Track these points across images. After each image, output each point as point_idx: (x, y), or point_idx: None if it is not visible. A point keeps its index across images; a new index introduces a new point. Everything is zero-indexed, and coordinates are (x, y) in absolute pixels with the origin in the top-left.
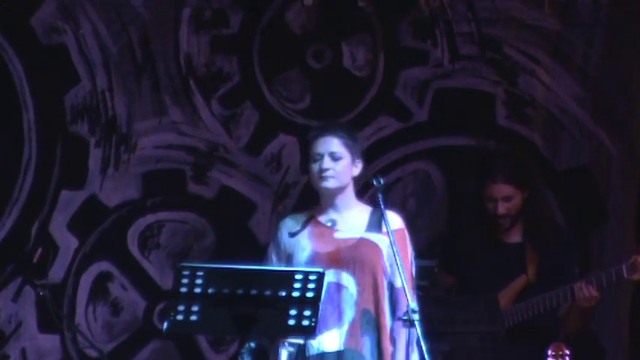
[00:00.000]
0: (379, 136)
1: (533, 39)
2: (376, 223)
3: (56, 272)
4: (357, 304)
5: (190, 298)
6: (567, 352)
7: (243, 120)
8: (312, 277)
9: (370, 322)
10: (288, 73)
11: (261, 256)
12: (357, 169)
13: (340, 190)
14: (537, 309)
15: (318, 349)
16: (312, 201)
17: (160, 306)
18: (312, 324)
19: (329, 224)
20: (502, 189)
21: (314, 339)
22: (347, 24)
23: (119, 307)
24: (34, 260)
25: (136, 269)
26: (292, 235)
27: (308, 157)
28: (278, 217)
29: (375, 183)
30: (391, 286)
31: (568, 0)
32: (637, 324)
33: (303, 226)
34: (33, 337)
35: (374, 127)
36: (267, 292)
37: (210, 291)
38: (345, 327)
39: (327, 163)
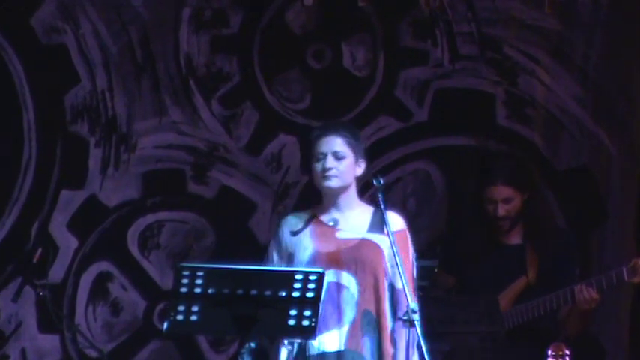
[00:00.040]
0: (379, 136)
1: (533, 39)
2: (378, 223)
3: (56, 272)
4: (358, 304)
5: (190, 298)
6: (567, 352)
7: (243, 120)
8: (312, 277)
9: (371, 322)
10: (288, 73)
11: (261, 256)
12: (360, 169)
13: (343, 189)
14: (537, 311)
15: (319, 349)
16: (312, 201)
17: (160, 306)
18: (312, 324)
19: (331, 224)
20: (502, 191)
21: (314, 339)
22: (347, 24)
23: (119, 307)
24: (34, 260)
25: (136, 269)
26: (294, 233)
27: (311, 156)
28: (278, 217)
29: (375, 183)
30: (392, 287)
31: (568, 0)
32: (637, 325)
33: (305, 225)
34: (33, 337)
35: (374, 127)
36: (267, 292)
37: (210, 291)
38: (346, 327)
39: (330, 162)
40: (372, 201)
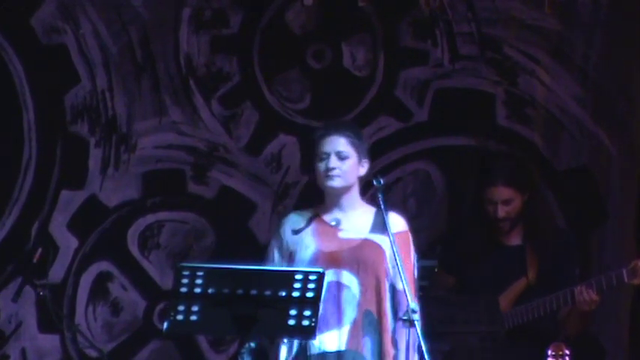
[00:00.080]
0: (379, 136)
1: (533, 39)
2: (380, 224)
3: (56, 272)
4: (359, 304)
5: (190, 298)
6: (567, 352)
7: (243, 120)
8: (312, 277)
9: (372, 323)
10: (288, 73)
11: (262, 256)
12: (363, 169)
13: (346, 189)
14: (537, 312)
15: (320, 349)
16: (313, 201)
17: (160, 306)
18: (312, 324)
19: (333, 223)
20: (502, 192)
21: (314, 339)
22: (347, 24)
23: (119, 307)
24: (34, 260)
25: (136, 269)
26: (296, 232)
27: (314, 155)
28: (278, 217)
29: (375, 183)
30: (393, 288)
31: (568, 0)
32: (637, 325)
33: (307, 224)
34: (33, 337)
35: (374, 127)
36: (267, 292)
37: (210, 291)
38: (347, 327)
39: (333, 162)
40: (372, 201)
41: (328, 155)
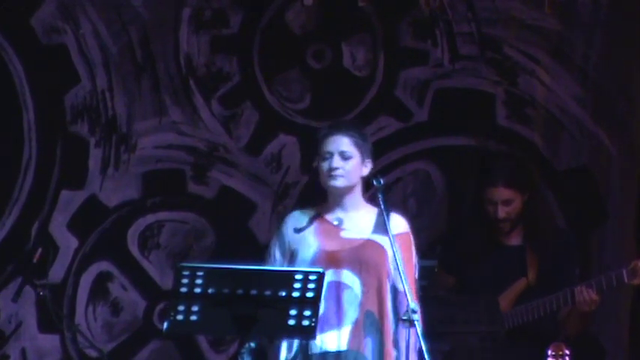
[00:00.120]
0: (379, 136)
1: (533, 39)
2: (382, 224)
3: (56, 272)
4: (361, 304)
5: (190, 298)
6: (567, 352)
7: (243, 120)
8: (312, 277)
9: (373, 323)
10: (288, 73)
11: (262, 256)
12: (366, 169)
13: (349, 189)
14: (537, 312)
15: (321, 348)
16: (313, 201)
17: (160, 306)
18: (312, 324)
19: (335, 223)
20: (502, 192)
21: (314, 339)
22: (347, 24)
23: (119, 307)
24: (34, 260)
25: (136, 269)
26: (298, 230)
27: (317, 155)
28: (278, 217)
29: (375, 183)
30: (394, 289)
31: (568, 0)
32: (637, 325)
33: (310, 223)
34: (33, 337)
35: (374, 127)
36: (267, 292)
37: (210, 291)
38: (349, 327)
39: (336, 162)
40: (372, 201)
41: (332, 155)
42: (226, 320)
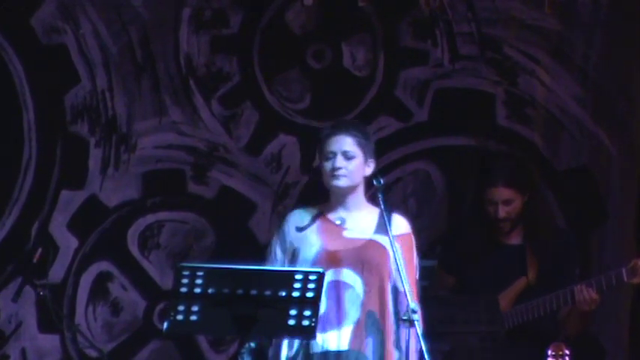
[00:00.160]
0: (379, 136)
1: (533, 39)
2: (385, 225)
3: (56, 272)
4: (363, 304)
5: (190, 298)
6: (567, 352)
7: (243, 120)
8: (312, 277)
9: (375, 323)
10: (288, 73)
11: (262, 256)
12: (369, 169)
13: (351, 189)
14: (537, 311)
15: (322, 348)
16: (313, 201)
17: (160, 306)
18: (312, 324)
19: (338, 222)
20: (503, 192)
21: (314, 339)
22: (347, 24)
23: (119, 307)
24: (34, 260)
25: (136, 269)
26: (300, 229)
27: (320, 154)
28: (278, 217)
29: (375, 183)
30: (395, 290)
31: (568, 0)
32: (637, 325)
33: (312, 222)
34: (33, 337)
35: (374, 127)
36: (267, 292)
37: (210, 291)
38: (350, 327)
39: (339, 161)
40: (372, 201)
41: (335, 155)
42: (226, 320)
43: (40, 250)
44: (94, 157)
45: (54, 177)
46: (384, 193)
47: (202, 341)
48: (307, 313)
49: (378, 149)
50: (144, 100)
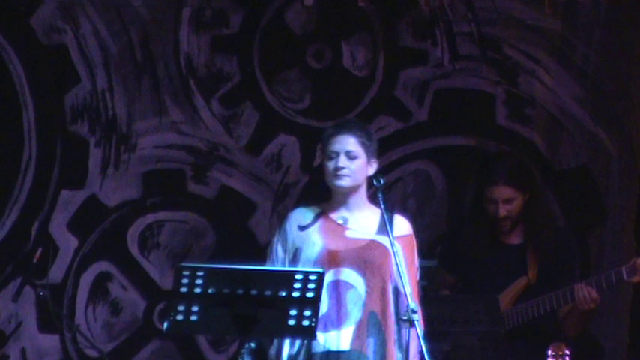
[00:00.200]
0: (379, 136)
1: (533, 39)
2: (388, 226)
3: (56, 272)
4: (365, 305)
5: (190, 298)
6: (567, 352)
7: (243, 120)
8: (312, 277)
9: (376, 324)
10: (288, 73)
11: (262, 256)
12: (372, 169)
13: (354, 189)
14: (537, 310)
15: (324, 347)
16: (315, 200)
17: (160, 306)
18: (312, 324)
19: (340, 222)
20: (503, 191)
21: (314, 339)
22: (347, 24)
23: (119, 307)
24: (34, 260)
25: (136, 269)
26: (302, 228)
27: (323, 154)
28: (278, 216)
29: (375, 183)
30: (397, 291)
31: (568, 0)
32: (637, 325)
33: (314, 221)
34: (33, 337)
35: (374, 127)
36: (267, 292)
37: (210, 291)
38: (352, 327)
39: (342, 161)
40: (372, 201)
41: (338, 155)
42: (226, 320)
43: (40, 250)
44: (94, 157)
45: (54, 177)
46: (384, 193)
47: (202, 341)
48: (307, 313)
49: (378, 149)
50: (144, 100)
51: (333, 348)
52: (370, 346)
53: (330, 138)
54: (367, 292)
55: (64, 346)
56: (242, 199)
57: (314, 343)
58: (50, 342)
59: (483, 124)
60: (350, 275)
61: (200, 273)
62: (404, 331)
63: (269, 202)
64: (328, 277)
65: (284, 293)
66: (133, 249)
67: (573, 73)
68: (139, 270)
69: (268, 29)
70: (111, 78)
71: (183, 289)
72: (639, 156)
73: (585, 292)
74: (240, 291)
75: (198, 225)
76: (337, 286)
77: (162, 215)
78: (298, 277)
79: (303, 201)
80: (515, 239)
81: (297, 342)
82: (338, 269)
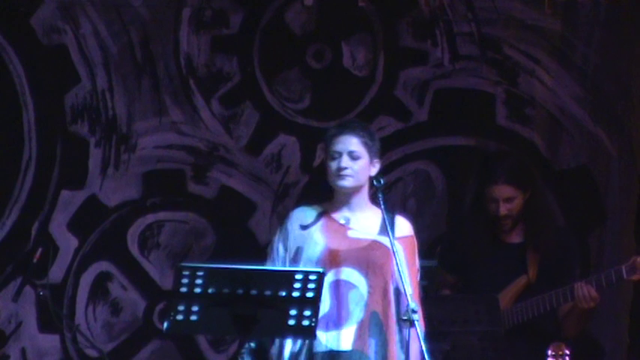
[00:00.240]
0: (379, 136)
1: (533, 39)
2: (389, 226)
3: (56, 272)
4: (366, 305)
5: (190, 298)
6: (567, 351)
7: (243, 120)
8: (312, 277)
9: (378, 324)
10: (288, 73)
11: (262, 256)
12: (374, 169)
13: (356, 189)
14: (537, 309)
15: (326, 347)
16: (316, 199)
17: (160, 306)
18: (312, 324)
19: (342, 221)
20: (504, 190)
21: (314, 339)
22: (347, 24)
23: (119, 307)
24: (34, 260)
25: (136, 269)
26: (304, 227)
27: (326, 153)
28: (278, 216)
29: (375, 183)
30: (398, 292)
31: (568, 0)
32: (637, 325)
33: (316, 220)
34: (33, 337)
35: (374, 127)
36: (267, 292)
37: (210, 291)
38: (354, 327)
39: (345, 161)
40: (373, 201)
41: (340, 155)
42: (226, 320)
43: (40, 250)
44: (94, 157)
45: (54, 177)
46: (384, 193)
47: (202, 341)
48: (307, 313)
49: (380, 149)
50: (144, 100)
51: (335, 348)
52: (372, 347)
53: (333, 138)
54: (369, 292)
55: (64, 346)
56: (242, 199)
57: (316, 342)
58: (50, 342)
59: (483, 124)
60: (352, 275)
61: (200, 273)
62: (405, 332)
63: (269, 202)
64: (330, 277)
65: (284, 293)
66: (133, 249)
67: (573, 73)
68: (139, 270)
69: (268, 29)
70: (111, 78)
71: (183, 289)
72: (639, 156)
73: (585, 291)
74: (240, 291)
75: (198, 225)
76: (339, 285)
77: (162, 215)
78: (298, 277)
79: (303, 201)
80: (515, 238)
81: (300, 340)
82: (340, 269)
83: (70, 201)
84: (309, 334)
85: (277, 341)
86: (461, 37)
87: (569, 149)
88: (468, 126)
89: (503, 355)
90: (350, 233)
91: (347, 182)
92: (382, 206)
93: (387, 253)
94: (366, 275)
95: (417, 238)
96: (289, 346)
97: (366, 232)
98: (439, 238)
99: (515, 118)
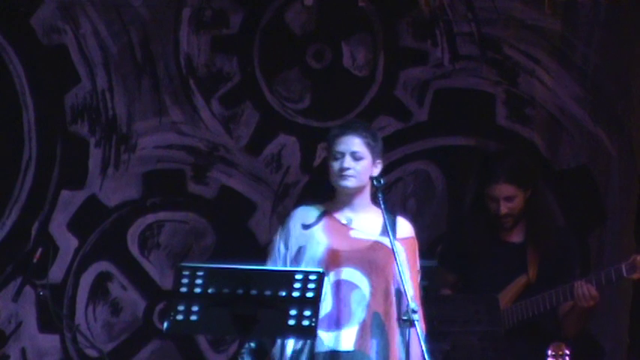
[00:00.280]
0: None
1: (533, 39)
2: (390, 227)
3: (56, 272)
4: (368, 305)
5: (190, 298)
6: (567, 351)
7: (243, 120)
8: (312, 277)
9: (380, 325)
10: (288, 73)
11: (262, 256)
12: (376, 170)
13: (359, 190)
14: (537, 308)
15: (328, 347)
16: (316, 199)
17: (160, 306)
18: (312, 324)
19: (344, 221)
20: (504, 189)
21: (314, 339)
22: (347, 24)
23: (119, 307)
24: (34, 260)
25: (136, 269)
26: (306, 227)
27: (328, 154)
28: (278, 217)
29: (375, 183)
30: (399, 293)
31: (568, 0)
32: (636, 324)
33: (318, 219)
34: (33, 337)
35: (374, 127)
36: (267, 292)
37: (210, 291)
38: (356, 327)
39: (347, 162)
40: (374, 202)
41: (343, 155)
42: (226, 320)
43: (40, 250)
44: (94, 157)
45: (54, 177)
46: (384, 193)
47: (202, 341)
48: (307, 313)
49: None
50: (144, 100)
51: (337, 348)
52: (373, 348)
53: (336, 138)
54: (371, 292)
55: (64, 346)
56: (242, 199)
57: (317, 342)
58: (50, 342)
59: (483, 124)
60: (354, 275)
61: (200, 273)
62: (406, 333)
63: (269, 202)
64: (332, 277)
65: (284, 293)
66: (133, 249)
67: (573, 73)
68: (139, 270)
69: (268, 29)
70: (111, 78)
71: (183, 289)
72: (639, 156)
73: (585, 290)
74: (240, 291)
75: (198, 225)
76: (341, 285)
77: (162, 215)
78: (298, 277)
79: (304, 201)
80: (515, 237)
81: (301, 340)
82: (342, 269)
83: (70, 201)
84: (309, 334)
85: (279, 341)
86: (461, 37)
87: (569, 149)
88: (468, 126)
89: (503, 355)
90: (352, 233)
91: (349, 182)
92: (382, 206)
93: (389, 253)
94: (369, 276)
95: (417, 239)
96: (291, 346)
97: (368, 233)
98: (439, 238)
99: (515, 118)
